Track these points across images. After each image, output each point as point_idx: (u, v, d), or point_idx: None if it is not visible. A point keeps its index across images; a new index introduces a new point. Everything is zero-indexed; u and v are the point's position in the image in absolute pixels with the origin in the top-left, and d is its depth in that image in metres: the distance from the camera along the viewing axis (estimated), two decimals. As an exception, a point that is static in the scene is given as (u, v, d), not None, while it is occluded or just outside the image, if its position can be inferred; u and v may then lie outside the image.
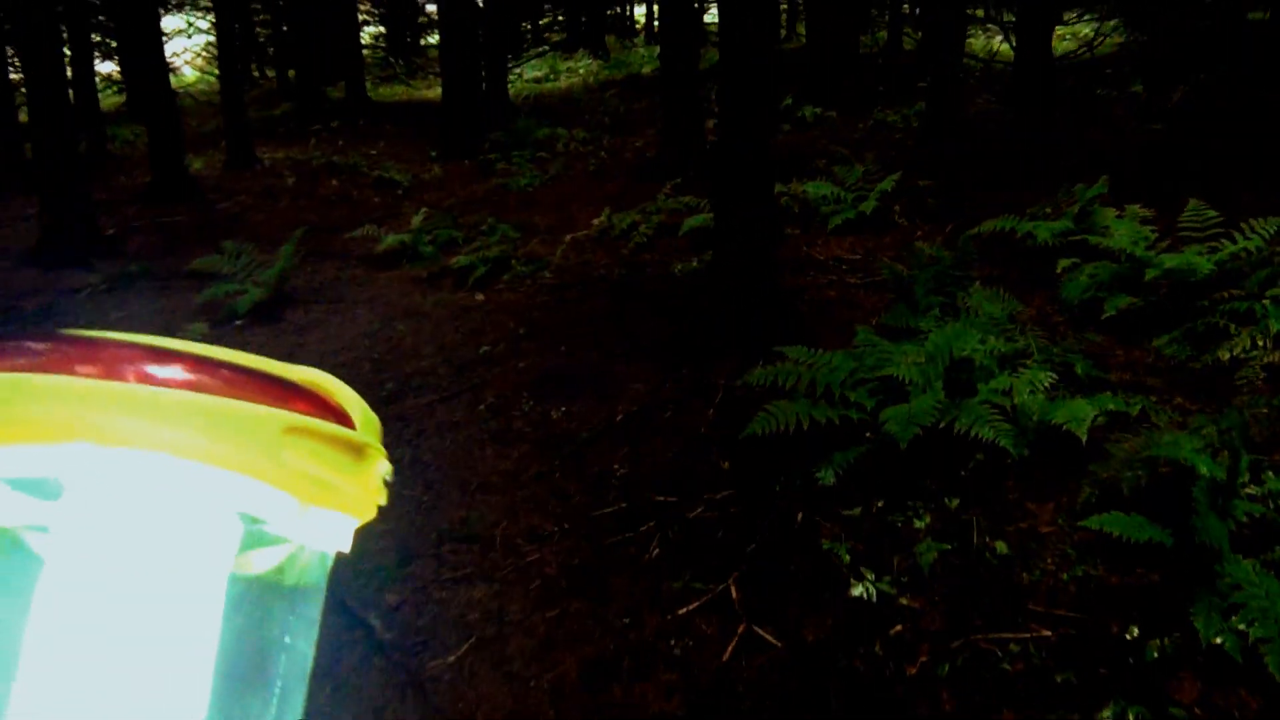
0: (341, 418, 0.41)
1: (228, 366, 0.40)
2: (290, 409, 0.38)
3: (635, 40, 30.45)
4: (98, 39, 17.85)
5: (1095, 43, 12.22)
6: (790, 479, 3.89)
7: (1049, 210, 6.46)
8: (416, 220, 7.96)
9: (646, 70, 22.61)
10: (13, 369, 0.35)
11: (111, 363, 0.37)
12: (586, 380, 5.09)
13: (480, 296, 6.60)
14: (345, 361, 5.68)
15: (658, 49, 26.63)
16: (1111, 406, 3.85)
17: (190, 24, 27.55)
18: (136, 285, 7.75)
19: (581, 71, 23.20)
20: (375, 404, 0.43)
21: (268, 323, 6.62)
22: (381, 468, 0.40)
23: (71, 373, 0.35)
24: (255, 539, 0.37)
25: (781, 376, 4.17)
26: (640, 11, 37.70)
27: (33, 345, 0.37)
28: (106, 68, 19.81)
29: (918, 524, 3.53)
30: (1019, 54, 7.88)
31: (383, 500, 0.40)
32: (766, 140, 5.29)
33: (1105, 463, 3.44)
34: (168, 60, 12.17)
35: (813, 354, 4.38)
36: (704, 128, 10.00)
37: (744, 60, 5.07)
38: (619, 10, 34.84)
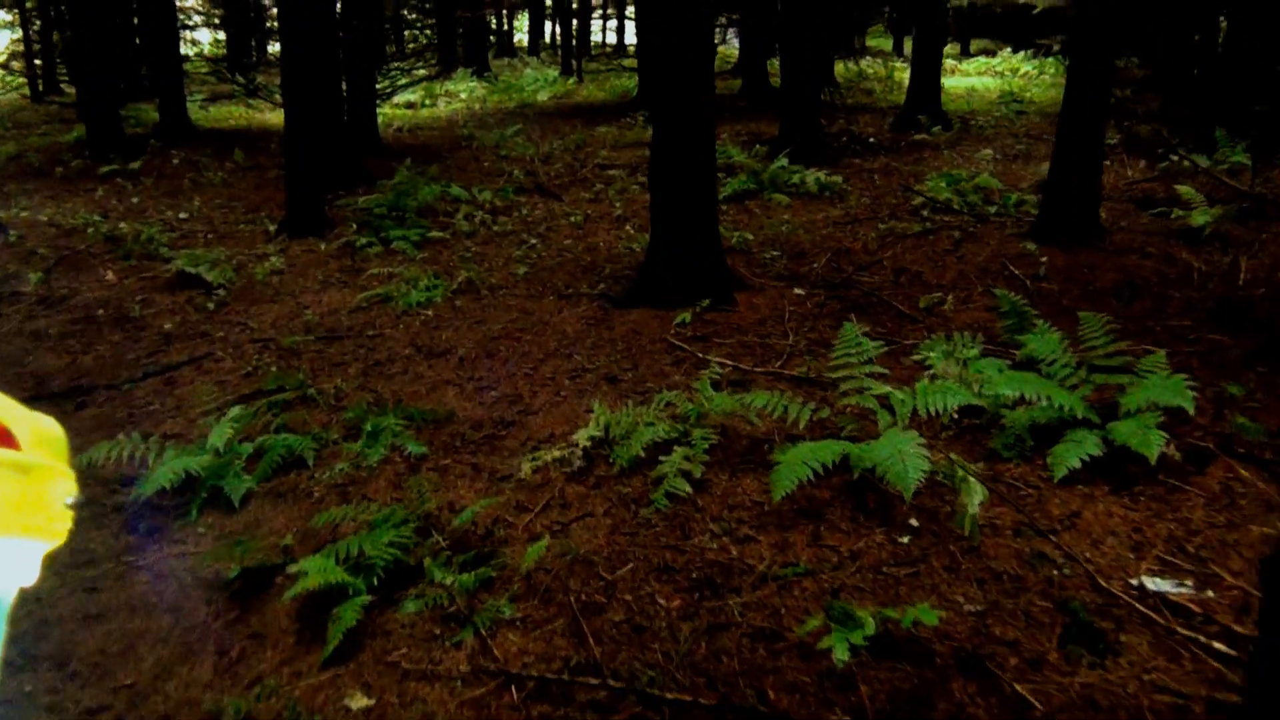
0: (2, 437, 0.36)
1: None
2: None
3: (524, 59, 26.68)
4: None
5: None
6: None
7: None
8: (219, 435, 3.94)
9: (544, 97, 18.89)
10: None
11: None
12: None
13: (361, 700, 2.75)
14: None
15: (553, 72, 22.86)
16: None
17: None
18: None
19: (464, 95, 19.27)
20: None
21: None
22: (59, 488, 0.36)
23: None
24: None
25: None
26: (523, 25, 34.02)
27: None
28: None
29: None
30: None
31: (67, 523, 0.36)
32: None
33: None
34: None
35: None
36: (716, 204, 6.25)
37: None
38: (500, 25, 31.03)
